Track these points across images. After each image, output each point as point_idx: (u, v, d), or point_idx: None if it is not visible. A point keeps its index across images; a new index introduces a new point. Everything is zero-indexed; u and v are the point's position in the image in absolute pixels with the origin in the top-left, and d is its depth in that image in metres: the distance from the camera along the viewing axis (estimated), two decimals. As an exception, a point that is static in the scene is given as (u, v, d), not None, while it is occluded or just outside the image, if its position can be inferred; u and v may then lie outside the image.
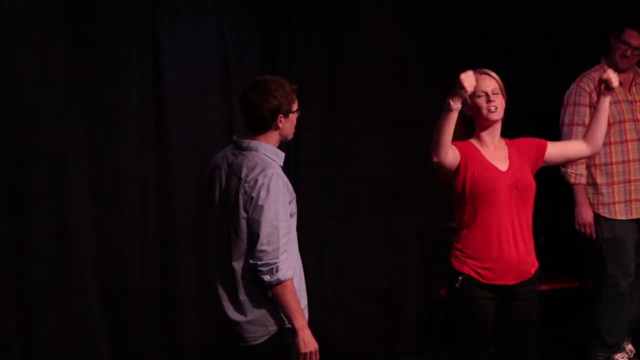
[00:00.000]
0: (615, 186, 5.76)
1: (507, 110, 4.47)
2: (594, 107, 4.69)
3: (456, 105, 4.17)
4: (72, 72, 5.52)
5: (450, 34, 6.29)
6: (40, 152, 5.50)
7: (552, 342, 5.76)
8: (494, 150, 4.47)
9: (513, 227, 4.41)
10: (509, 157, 4.47)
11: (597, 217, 5.79)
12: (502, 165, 4.45)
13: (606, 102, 4.50)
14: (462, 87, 4.13)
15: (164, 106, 5.71)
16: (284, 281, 4.02)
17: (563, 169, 5.73)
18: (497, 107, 4.40)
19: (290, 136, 4.23)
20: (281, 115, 4.11)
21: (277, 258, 4.00)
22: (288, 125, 4.17)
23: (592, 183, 5.77)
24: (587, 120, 5.57)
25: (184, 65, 5.76)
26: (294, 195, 4.15)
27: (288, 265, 4.04)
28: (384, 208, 6.21)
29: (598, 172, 5.76)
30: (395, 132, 6.19)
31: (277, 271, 3.99)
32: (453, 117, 4.19)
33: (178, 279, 5.76)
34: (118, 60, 5.62)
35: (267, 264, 3.99)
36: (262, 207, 4.00)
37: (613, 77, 4.42)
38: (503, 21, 6.38)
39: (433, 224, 5.95)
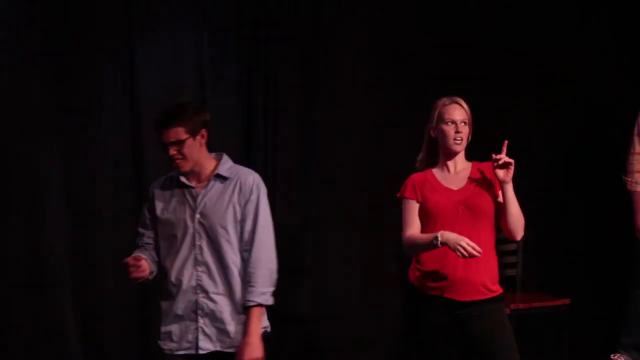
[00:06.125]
0: None
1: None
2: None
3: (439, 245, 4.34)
4: (48, 86, 5.51)
5: (425, 52, 6.33)
6: (16, 169, 5.48)
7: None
8: (454, 173, 4.57)
9: None
10: (469, 178, 4.54)
11: None
12: (457, 185, 4.54)
13: (506, 189, 4.45)
14: (454, 244, 4.29)
15: (139, 121, 5.69)
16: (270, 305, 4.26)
17: (623, 176, 5.93)
18: (462, 139, 4.52)
19: None
20: None
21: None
22: None
23: None
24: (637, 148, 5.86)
25: (159, 81, 5.75)
26: None
27: None
28: (362, 222, 6.22)
29: None
30: (374, 145, 6.22)
31: (271, 295, 4.25)
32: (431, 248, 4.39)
33: (154, 293, 5.69)
34: (94, 75, 5.61)
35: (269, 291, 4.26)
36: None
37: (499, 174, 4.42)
38: (478, 41, 6.42)
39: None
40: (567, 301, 6.06)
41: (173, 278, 4.30)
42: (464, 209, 4.46)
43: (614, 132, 6.32)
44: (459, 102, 4.55)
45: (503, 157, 4.40)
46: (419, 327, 4.57)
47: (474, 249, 4.25)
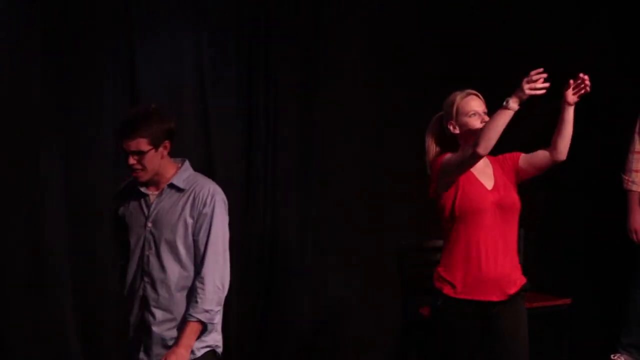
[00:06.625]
0: None
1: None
2: None
3: (514, 105, 4.19)
4: (48, 86, 5.52)
5: (425, 52, 6.34)
6: (16, 169, 5.48)
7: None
8: (482, 167, 4.47)
9: (495, 245, 4.39)
10: (494, 175, 4.48)
11: None
12: (488, 183, 4.45)
13: (569, 112, 4.43)
14: (522, 90, 4.17)
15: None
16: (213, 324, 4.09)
17: (621, 174, 5.94)
18: None
19: None
20: None
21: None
22: None
23: None
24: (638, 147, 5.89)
25: (159, 81, 5.76)
26: None
27: None
28: (362, 222, 6.22)
29: None
30: (374, 145, 6.23)
31: (216, 313, 4.06)
32: (508, 116, 4.21)
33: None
34: (94, 75, 5.62)
35: (213, 310, 4.04)
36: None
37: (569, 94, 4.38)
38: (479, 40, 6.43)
39: (413, 242, 5.94)
40: (567, 301, 6.05)
41: (126, 287, 4.16)
42: (499, 211, 4.40)
43: (614, 131, 6.33)
44: (475, 93, 4.49)
45: (587, 81, 4.36)
46: (443, 332, 4.46)
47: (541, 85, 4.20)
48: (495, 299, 4.41)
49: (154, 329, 4.07)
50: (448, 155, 4.43)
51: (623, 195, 6.00)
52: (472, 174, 4.42)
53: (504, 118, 4.21)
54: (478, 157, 4.27)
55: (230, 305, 5.80)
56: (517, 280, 4.48)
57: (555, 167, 4.54)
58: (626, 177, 5.95)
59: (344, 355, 6.25)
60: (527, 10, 6.47)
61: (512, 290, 4.45)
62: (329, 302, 6.20)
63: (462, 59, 6.29)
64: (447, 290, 4.41)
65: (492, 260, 4.38)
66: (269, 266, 6.04)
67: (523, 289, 4.49)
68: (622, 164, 6.00)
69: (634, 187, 5.95)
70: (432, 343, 4.56)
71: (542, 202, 6.52)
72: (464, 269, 4.39)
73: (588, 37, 6.55)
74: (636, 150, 5.93)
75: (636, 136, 5.93)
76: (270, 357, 6.08)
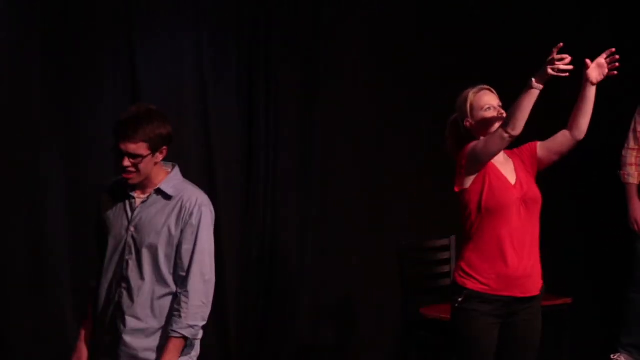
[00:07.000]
0: None
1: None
2: None
3: (537, 85, 4.18)
4: (48, 86, 5.52)
5: (425, 52, 6.34)
6: (16, 169, 5.49)
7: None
8: (503, 161, 4.45)
9: (519, 240, 4.36)
10: (515, 170, 4.45)
11: None
12: (511, 178, 4.42)
13: (591, 90, 4.43)
14: (545, 71, 4.16)
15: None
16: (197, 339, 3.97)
17: (618, 170, 6.00)
18: None
19: None
20: None
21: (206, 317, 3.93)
22: None
23: None
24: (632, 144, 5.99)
25: (159, 81, 5.77)
26: None
27: None
28: (362, 222, 6.22)
29: None
30: (374, 145, 6.23)
31: (200, 329, 3.92)
32: (533, 95, 4.20)
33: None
34: (94, 75, 5.63)
35: (198, 326, 3.90)
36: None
37: (592, 74, 4.40)
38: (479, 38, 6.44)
39: (413, 242, 5.94)
40: (568, 300, 6.05)
41: (104, 291, 3.99)
42: (523, 206, 4.37)
43: (614, 131, 6.33)
44: (487, 88, 4.47)
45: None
46: (464, 328, 4.40)
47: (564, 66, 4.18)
48: (519, 294, 4.37)
49: (125, 337, 3.92)
50: (474, 143, 4.39)
51: (622, 193, 6.01)
52: (497, 169, 4.40)
53: (529, 98, 4.19)
54: (508, 137, 4.24)
55: (230, 305, 5.83)
56: (539, 277, 4.45)
57: (570, 153, 4.52)
58: (622, 172, 6.01)
59: (344, 355, 6.25)
60: (527, 10, 6.48)
61: (535, 288, 4.42)
62: (329, 302, 6.21)
63: (462, 59, 6.29)
64: (470, 284, 4.36)
65: (517, 255, 4.34)
66: (269, 266, 6.04)
67: (540, 292, 4.46)
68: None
69: (631, 180, 6.01)
70: (451, 342, 4.54)
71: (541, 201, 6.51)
72: (489, 265, 4.35)
73: (588, 37, 6.54)
74: (630, 147, 5.98)
75: (631, 134, 5.98)
76: (270, 357, 6.08)
